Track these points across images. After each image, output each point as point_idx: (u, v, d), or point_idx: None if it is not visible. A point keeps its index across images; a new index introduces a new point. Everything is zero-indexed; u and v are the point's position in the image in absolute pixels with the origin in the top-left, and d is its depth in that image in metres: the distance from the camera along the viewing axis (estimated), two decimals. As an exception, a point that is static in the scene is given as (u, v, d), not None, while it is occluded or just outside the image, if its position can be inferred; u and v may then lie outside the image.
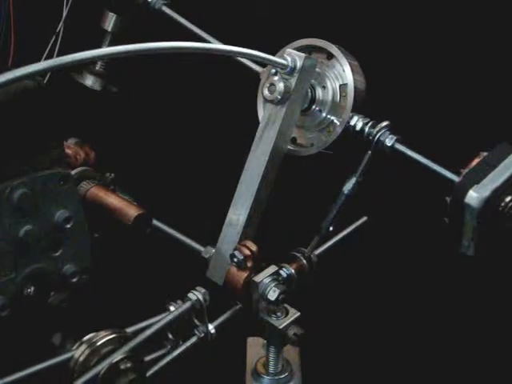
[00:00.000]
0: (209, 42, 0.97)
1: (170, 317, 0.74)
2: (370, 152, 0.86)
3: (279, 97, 0.80)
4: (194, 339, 0.77)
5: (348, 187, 0.87)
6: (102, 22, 1.05)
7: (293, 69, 0.80)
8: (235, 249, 0.81)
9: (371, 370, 0.97)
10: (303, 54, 0.80)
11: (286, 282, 0.82)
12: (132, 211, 0.86)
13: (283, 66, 0.80)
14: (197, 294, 0.75)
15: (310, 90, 0.88)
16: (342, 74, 0.89)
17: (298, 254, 0.85)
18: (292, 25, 1.12)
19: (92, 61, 1.01)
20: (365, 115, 0.88)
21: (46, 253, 0.75)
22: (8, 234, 0.70)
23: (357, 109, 0.88)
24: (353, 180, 0.87)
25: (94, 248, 0.80)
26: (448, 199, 0.79)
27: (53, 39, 1.07)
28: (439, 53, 1.13)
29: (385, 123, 0.86)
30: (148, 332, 0.71)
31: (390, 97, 1.09)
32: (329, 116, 0.90)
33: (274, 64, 0.81)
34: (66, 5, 1.06)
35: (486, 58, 1.11)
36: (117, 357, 0.66)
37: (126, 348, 0.67)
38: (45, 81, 1.01)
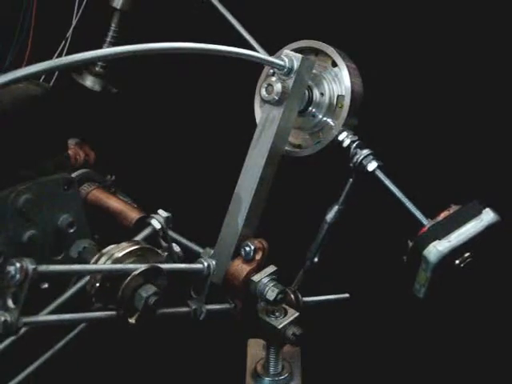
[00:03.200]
0: (223, 18, 0.97)
1: (174, 266, 0.72)
2: (351, 180, 0.87)
3: (277, 97, 0.80)
4: (184, 308, 0.76)
5: (330, 216, 0.88)
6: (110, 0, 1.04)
7: (290, 69, 0.80)
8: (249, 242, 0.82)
9: (371, 371, 0.97)
10: (300, 55, 0.80)
11: None
12: (133, 214, 0.87)
13: (280, 67, 0.80)
14: (209, 261, 0.74)
15: (307, 91, 0.88)
16: (341, 82, 0.89)
17: (286, 289, 0.85)
18: (293, 25, 1.12)
19: (92, 62, 1.01)
20: (356, 129, 0.88)
21: (49, 257, 0.75)
22: (12, 239, 0.71)
23: (352, 115, 0.89)
24: (335, 208, 0.88)
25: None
26: (410, 243, 0.80)
27: (62, 45, 1.07)
28: (443, 63, 1.12)
29: (369, 150, 0.87)
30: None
31: (391, 109, 1.09)
32: (324, 119, 0.90)
33: (272, 65, 0.81)
34: (77, 11, 1.06)
35: (487, 80, 1.11)
36: (140, 268, 0.64)
37: (149, 260, 0.66)
38: (51, 82, 1.01)
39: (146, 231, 0.75)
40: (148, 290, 0.65)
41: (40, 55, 1.01)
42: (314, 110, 0.90)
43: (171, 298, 0.74)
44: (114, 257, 0.65)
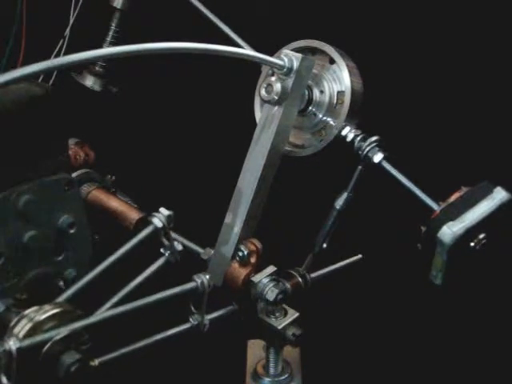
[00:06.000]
0: (215, 24, 0.97)
1: (169, 292, 0.72)
2: (360, 167, 0.87)
3: (276, 97, 0.79)
4: (187, 325, 0.76)
5: (339, 203, 0.87)
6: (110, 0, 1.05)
7: (290, 69, 0.80)
8: (241, 244, 0.82)
9: (371, 371, 0.97)
10: (300, 55, 0.80)
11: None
12: (134, 215, 0.87)
13: (280, 67, 0.79)
14: (202, 278, 0.73)
15: (307, 91, 0.88)
16: (341, 79, 0.89)
17: (294, 272, 0.86)
18: (293, 25, 1.11)
19: (91, 61, 1.01)
20: (359, 124, 0.88)
21: (49, 257, 0.75)
22: (12, 239, 0.71)
23: (353, 114, 0.88)
24: (344, 195, 0.87)
25: (95, 250, 0.80)
26: (423, 229, 0.80)
27: (60, 43, 1.07)
28: (446, 59, 1.12)
29: (374, 138, 0.86)
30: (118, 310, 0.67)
31: (392, 106, 1.09)
32: (324, 118, 0.90)
33: (271, 65, 0.81)
34: (74, 10, 1.07)
35: (490, 70, 1.11)
36: (61, 333, 0.60)
37: (73, 325, 0.61)
38: (51, 82, 1.01)
39: (148, 230, 0.75)
40: (69, 358, 0.61)
41: (38, 54, 1.01)
42: (314, 109, 0.90)
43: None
44: (35, 320, 0.61)
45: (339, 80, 0.89)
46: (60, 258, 0.76)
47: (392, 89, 1.09)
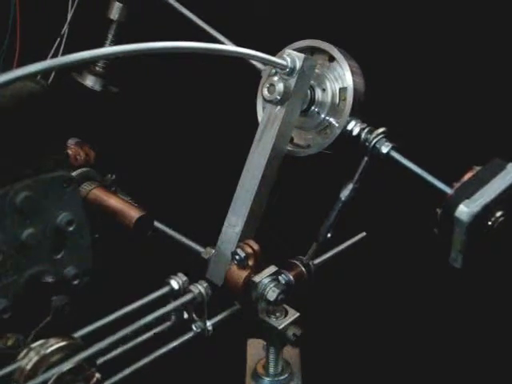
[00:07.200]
0: (211, 35, 0.97)
1: (168, 308, 0.72)
2: (366, 158, 0.87)
3: (279, 97, 0.80)
4: (190, 334, 0.76)
5: (345, 193, 0.87)
6: (107, 11, 1.06)
7: (292, 69, 0.80)
8: (237, 247, 0.81)
9: (371, 371, 0.97)
10: (303, 55, 0.80)
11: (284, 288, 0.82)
12: (133, 213, 0.86)
13: (283, 67, 0.79)
14: (199, 287, 0.74)
15: (309, 91, 0.88)
16: (343, 77, 0.89)
17: (297, 262, 0.85)
18: (293, 25, 1.12)
19: (91, 61, 1.01)
20: (363, 119, 0.88)
21: (48, 255, 0.75)
22: (10, 237, 0.70)
23: (356, 111, 0.88)
24: (350, 186, 0.87)
25: (94, 249, 0.80)
26: (439, 211, 0.79)
27: (57, 41, 1.07)
28: (444, 55, 1.13)
29: (381, 130, 0.86)
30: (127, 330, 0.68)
31: (392, 102, 1.09)
32: (327, 118, 0.90)
33: (274, 64, 0.81)
34: (71, 7, 1.07)
35: (490, 63, 1.11)
36: (67, 366, 0.61)
37: (78, 357, 0.62)
38: (49, 81, 1.01)
39: (163, 290, 0.74)
40: None
41: (35, 53, 1.01)
42: (317, 109, 0.90)
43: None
44: (42, 353, 0.62)
45: (341, 79, 0.89)
46: (59, 255, 0.76)
47: (392, 87, 1.10)
